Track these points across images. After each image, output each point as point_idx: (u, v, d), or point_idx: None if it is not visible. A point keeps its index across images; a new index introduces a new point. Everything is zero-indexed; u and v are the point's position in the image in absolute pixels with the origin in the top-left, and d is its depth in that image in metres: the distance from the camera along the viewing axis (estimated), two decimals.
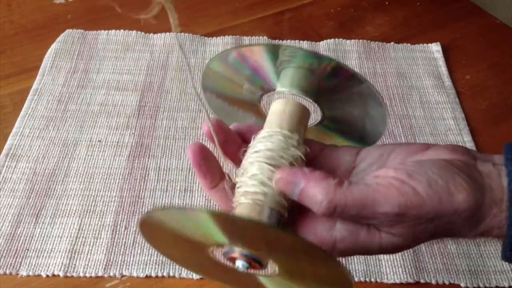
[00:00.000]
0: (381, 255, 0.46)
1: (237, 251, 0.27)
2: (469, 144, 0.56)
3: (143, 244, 0.46)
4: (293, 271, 0.28)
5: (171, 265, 0.44)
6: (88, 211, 0.48)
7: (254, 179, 0.28)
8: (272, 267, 0.28)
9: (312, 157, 0.31)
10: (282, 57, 0.30)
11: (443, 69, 0.64)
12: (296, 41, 0.67)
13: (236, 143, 0.31)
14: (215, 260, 0.29)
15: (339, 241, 0.28)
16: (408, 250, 0.46)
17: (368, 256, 0.46)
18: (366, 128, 0.35)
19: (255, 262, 0.27)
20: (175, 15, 0.25)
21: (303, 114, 0.31)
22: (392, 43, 0.68)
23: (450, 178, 0.26)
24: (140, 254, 0.45)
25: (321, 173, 0.27)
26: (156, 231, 0.29)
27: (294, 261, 0.27)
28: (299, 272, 0.29)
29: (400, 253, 0.46)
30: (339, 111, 0.34)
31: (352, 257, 0.45)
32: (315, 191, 0.26)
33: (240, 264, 0.27)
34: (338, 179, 0.26)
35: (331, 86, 0.32)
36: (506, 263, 0.45)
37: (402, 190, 0.26)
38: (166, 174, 0.51)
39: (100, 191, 0.50)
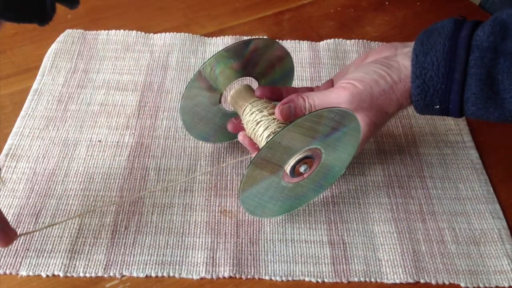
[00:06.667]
0: (381, 255, 0.46)
1: (295, 162, 0.41)
2: (469, 144, 0.56)
3: (143, 244, 0.46)
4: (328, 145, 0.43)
5: (171, 265, 0.44)
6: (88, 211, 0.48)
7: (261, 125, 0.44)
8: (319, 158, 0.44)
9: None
10: (210, 72, 0.47)
11: None
12: (296, 41, 0.67)
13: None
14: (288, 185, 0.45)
15: None
16: (408, 250, 0.46)
17: (368, 256, 0.46)
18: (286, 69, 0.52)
19: (309, 159, 0.42)
20: None
21: (246, 89, 0.48)
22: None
23: (373, 72, 0.42)
24: (140, 254, 0.45)
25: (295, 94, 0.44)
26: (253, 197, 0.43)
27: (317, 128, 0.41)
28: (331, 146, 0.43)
29: (400, 253, 0.46)
30: (262, 71, 0.50)
31: (352, 257, 0.45)
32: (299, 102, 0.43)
33: (302, 168, 0.42)
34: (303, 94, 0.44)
35: (251, 60, 0.49)
36: (506, 262, 0.46)
37: (347, 87, 0.42)
38: (166, 174, 0.51)
39: (100, 191, 0.50)
